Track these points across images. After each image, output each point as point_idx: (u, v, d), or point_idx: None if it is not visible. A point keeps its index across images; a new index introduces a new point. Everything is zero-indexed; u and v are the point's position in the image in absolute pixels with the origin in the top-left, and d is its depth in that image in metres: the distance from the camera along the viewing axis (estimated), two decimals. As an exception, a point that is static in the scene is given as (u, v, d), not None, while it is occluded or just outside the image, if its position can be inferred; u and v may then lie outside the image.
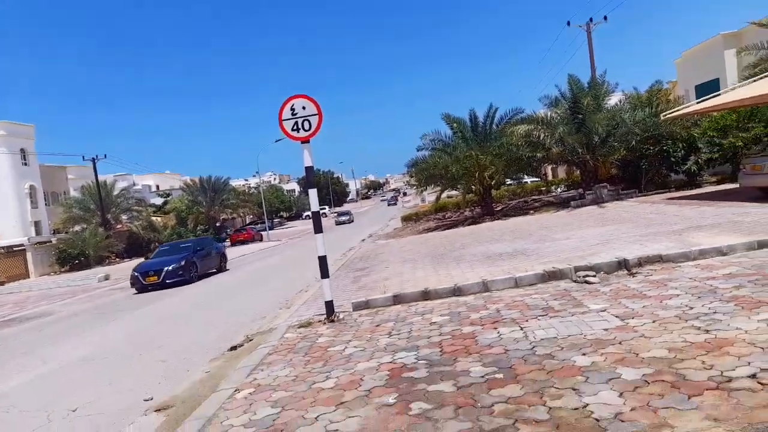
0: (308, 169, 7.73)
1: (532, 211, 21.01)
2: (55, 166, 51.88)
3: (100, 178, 44.34)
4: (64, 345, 9.81)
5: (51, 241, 39.94)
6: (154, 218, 48.57)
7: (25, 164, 48.05)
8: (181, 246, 19.94)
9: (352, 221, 51.75)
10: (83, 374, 7.38)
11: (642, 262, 7.32)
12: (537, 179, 33.22)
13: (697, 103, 18.29)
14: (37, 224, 48.10)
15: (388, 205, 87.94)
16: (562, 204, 20.97)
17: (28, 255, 36.61)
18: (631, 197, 18.82)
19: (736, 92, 16.64)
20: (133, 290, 17.53)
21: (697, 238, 8.40)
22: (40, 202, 48.81)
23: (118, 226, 44.63)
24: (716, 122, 18.48)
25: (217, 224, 50.38)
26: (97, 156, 42.60)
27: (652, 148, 19.30)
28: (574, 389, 3.62)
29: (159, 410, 5.12)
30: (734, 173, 15.67)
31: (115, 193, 46.20)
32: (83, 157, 43.39)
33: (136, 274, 17.56)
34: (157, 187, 75.91)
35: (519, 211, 22.17)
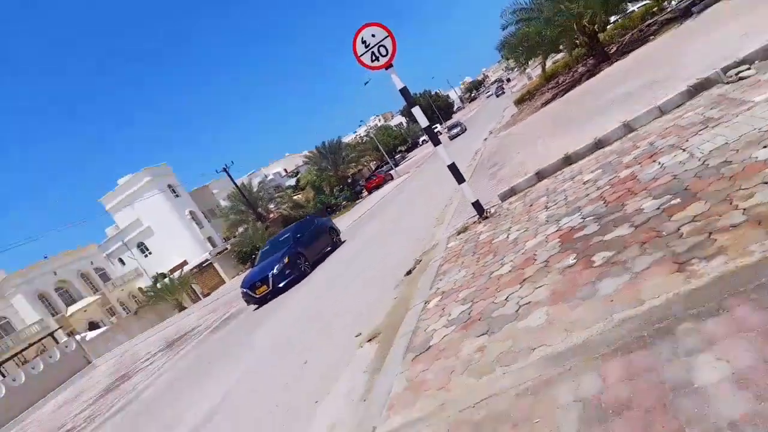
0: (403, 91, 7.73)
1: (651, 37, 18.74)
2: (200, 187, 57.98)
3: (237, 181, 48.58)
4: (276, 319, 11.25)
5: (227, 248, 45.31)
6: (295, 197, 52.34)
7: (177, 196, 54.35)
8: (281, 240, 17.03)
9: (465, 130, 48.45)
10: (302, 334, 8.45)
11: (804, 29, 6.28)
12: (646, 1, 29.33)
13: None
14: (210, 239, 54.71)
15: (497, 96, 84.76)
16: (683, 15, 18.35)
17: (216, 265, 42.01)
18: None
19: None
20: (252, 307, 15.39)
21: None
22: (203, 221, 55.30)
23: (271, 215, 48.88)
24: None
25: (349, 180, 52.73)
26: (226, 165, 46.59)
27: None
28: (766, 182, 3.36)
29: (370, 340, 5.75)
30: None
31: (255, 189, 50.40)
32: (216, 170, 47.94)
33: (244, 290, 15.15)
34: (285, 170, 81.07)
35: (637, 42, 19.89)
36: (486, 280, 4.86)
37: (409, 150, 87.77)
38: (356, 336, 6.26)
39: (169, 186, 53.80)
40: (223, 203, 55.11)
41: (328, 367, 5.76)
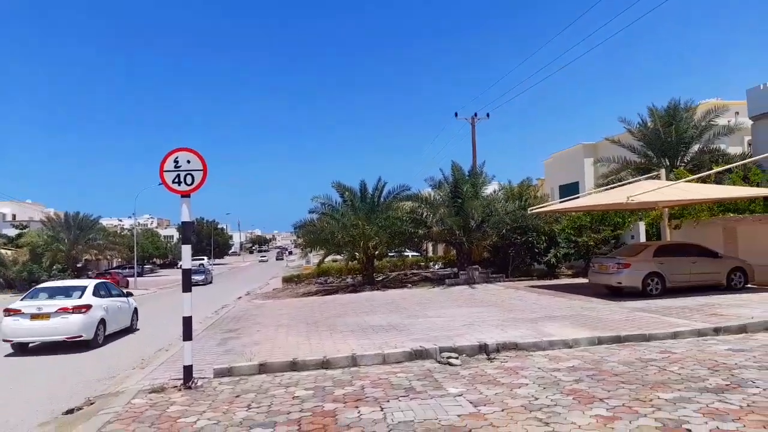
0: (185, 224, 7.46)
1: (410, 285, 21.67)
2: None
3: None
4: None
5: None
6: (2, 250, 43.02)
7: None
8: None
9: (210, 282, 40.18)
10: None
11: (500, 347, 7.82)
12: (418, 254, 34.53)
13: (560, 202, 20.65)
14: None
15: (276, 259, 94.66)
16: (438, 281, 21.91)
17: None
18: (499, 281, 20.21)
19: (591, 197, 19.12)
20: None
21: (549, 329, 9.18)
22: None
23: (-46, 256, 38.89)
24: (574, 221, 20.79)
25: (78, 265, 45.71)
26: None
27: (519, 237, 21.09)
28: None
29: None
30: (586, 269, 17.55)
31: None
32: None
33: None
34: (14, 216, 67.76)
35: (398, 283, 22.77)
36: (144, 465, 4.24)
37: (165, 266, 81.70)
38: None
39: None
40: None
41: None
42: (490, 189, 24.14)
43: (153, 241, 79.61)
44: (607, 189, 18.97)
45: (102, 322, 12.39)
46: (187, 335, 7.10)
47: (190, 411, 5.70)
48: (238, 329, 11.93)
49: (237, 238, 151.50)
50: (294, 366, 7.45)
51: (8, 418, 6.55)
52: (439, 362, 7.40)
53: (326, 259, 27.86)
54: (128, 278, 41.88)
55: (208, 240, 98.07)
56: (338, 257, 28.02)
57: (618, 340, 8.15)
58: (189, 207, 7.29)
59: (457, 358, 7.44)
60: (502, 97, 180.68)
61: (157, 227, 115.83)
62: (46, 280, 37.98)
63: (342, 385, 6.44)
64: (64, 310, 11.69)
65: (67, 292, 12.65)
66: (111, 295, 13.76)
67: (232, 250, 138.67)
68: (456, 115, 31.92)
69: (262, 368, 7.40)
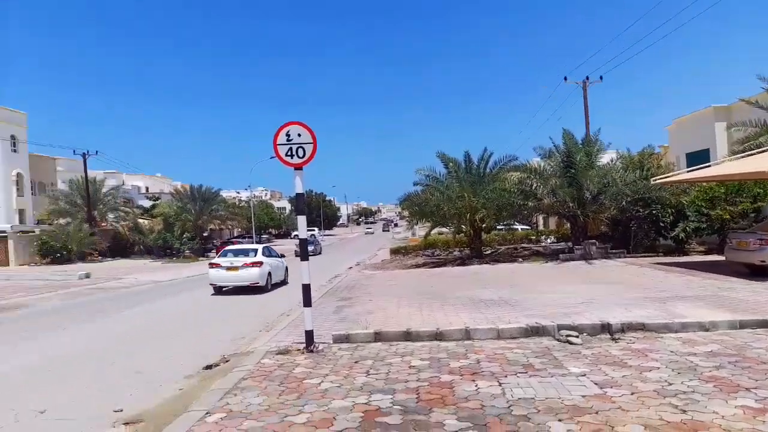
0: (299, 196, 7.77)
1: (520, 259, 21.11)
2: (44, 156, 51.36)
3: (90, 173, 44.06)
4: (39, 341, 9.60)
5: (34, 232, 39.37)
6: (141, 220, 48.11)
7: (15, 151, 47.59)
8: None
9: (319, 252, 41.12)
10: (57, 374, 7.21)
11: (625, 328, 7.36)
12: (528, 227, 33.49)
13: (688, 172, 18.72)
14: (21, 213, 47.46)
15: (383, 230, 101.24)
16: (551, 255, 21.10)
17: (10, 243, 36.06)
18: (619, 257, 18.99)
19: (725, 166, 17.09)
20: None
21: (681, 309, 8.47)
22: (26, 191, 48.25)
23: (103, 224, 44.12)
24: (705, 192, 18.86)
25: (204, 234, 49.92)
26: (88, 151, 42.34)
27: (642, 210, 19.59)
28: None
29: (127, 423, 5.02)
30: (721, 245, 15.92)
31: (104, 190, 45.79)
32: (74, 150, 43.12)
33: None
34: (147, 189, 75.46)
35: (508, 257, 22.26)
36: (278, 421, 4.55)
37: (279, 236, 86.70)
38: (115, 411, 5.45)
39: (12, 137, 47.19)
40: (62, 185, 49.18)
41: (62, 431, 4.87)
42: (606, 158, 22.60)
43: (267, 212, 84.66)
44: (744, 156, 16.90)
45: (269, 274, 16.91)
46: (307, 301, 7.48)
47: (314, 373, 6.01)
48: (351, 298, 12.37)
49: (344, 210, 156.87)
50: (408, 336, 7.58)
51: (162, 369, 7.34)
52: (557, 340, 7.13)
53: (432, 232, 27.91)
54: (248, 247, 45.02)
55: (318, 212, 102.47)
56: (444, 230, 27.93)
57: (765, 324, 7.31)
58: (302, 179, 7.57)
59: (577, 336, 7.12)
60: (616, 58, 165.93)
61: (270, 199, 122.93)
62: (179, 248, 42.13)
63: (457, 357, 6.44)
64: (246, 265, 16.32)
65: (246, 252, 17.20)
66: (271, 256, 18.03)
67: (340, 221, 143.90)
68: (565, 79, 29.74)
69: (378, 336, 7.61)
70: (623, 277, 13.55)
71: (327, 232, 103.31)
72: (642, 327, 7.37)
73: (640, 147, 24.42)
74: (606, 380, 5.24)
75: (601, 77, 29.90)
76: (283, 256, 19.92)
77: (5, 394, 6.29)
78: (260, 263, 16.47)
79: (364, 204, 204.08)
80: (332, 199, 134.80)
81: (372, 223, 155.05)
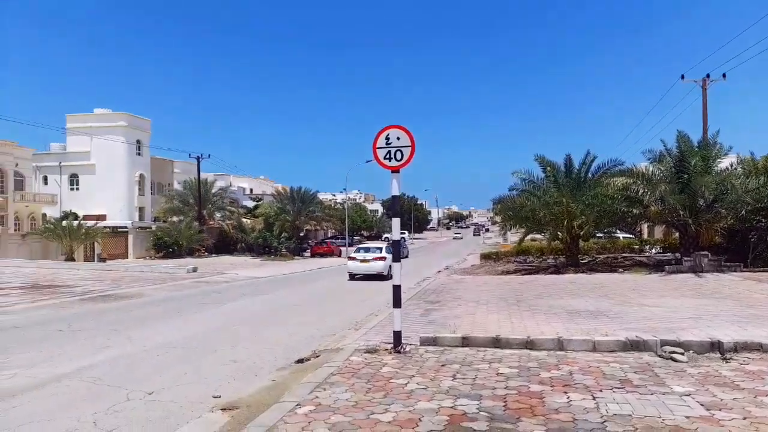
0: (395, 198, 7.88)
1: (620, 270, 19.91)
2: (164, 159, 56.50)
3: (202, 175, 47.60)
4: (150, 329, 10.51)
5: (151, 228, 43.34)
6: (244, 219, 51.21)
7: (139, 154, 52.82)
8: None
9: (406, 256, 39.58)
10: (164, 358, 7.86)
11: (738, 347, 6.72)
12: (630, 236, 31.43)
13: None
14: (141, 210, 52.46)
15: (473, 235, 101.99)
16: (656, 267, 19.71)
17: (130, 237, 39.94)
18: (735, 271, 17.33)
19: None
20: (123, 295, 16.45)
21: (808, 331, 7.58)
22: (146, 191, 53.37)
23: (211, 223, 47.50)
24: None
25: (301, 234, 52.13)
26: (201, 155, 45.86)
27: (764, 220, 17.74)
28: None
29: (225, 409, 5.36)
30: None
31: (213, 191, 49.33)
32: (189, 154, 47.05)
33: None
34: (251, 190, 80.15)
35: (606, 266, 21.09)
36: (364, 417, 4.66)
37: (370, 238, 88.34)
38: (214, 396, 5.85)
39: (138, 141, 52.27)
40: (177, 186, 53.64)
41: (169, 413, 5.31)
42: (724, 163, 20.69)
43: (361, 215, 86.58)
44: None
45: (390, 267, 18.55)
46: (397, 302, 7.57)
47: (400, 374, 6.08)
48: (439, 302, 12.34)
49: (435, 214, 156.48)
50: (497, 343, 7.43)
51: (258, 360, 7.77)
52: (660, 356, 6.66)
53: (526, 238, 27.07)
54: (341, 248, 46.39)
55: (409, 215, 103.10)
56: (538, 236, 26.97)
57: None
58: (399, 182, 7.68)
59: (682, 353, 6.61)
60: (742, 54, 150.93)
61: (364, 201, 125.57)
62: (276, 246, 44.31)
63: (548, 368, 6.22)
64: (375, 259, 21.70)
65: (374, 249, 22.72)
66: (391, 253, 19.17)
67: (430, 225, 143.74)
68: (682, 77, 27.62)
69: (465, 341, 7.54)
70: (739, 293, 12.35)
71: (417, 235, 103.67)
72: (759, 348, 6.68)
73: (766, 152, 21.96)
74: (714, 402, 4.82)
75: (724, 75, 27.36)
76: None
77: (121, 376, 6.95)
78: (384, 258, 21.20)
79: (455, 208, 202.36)
80: (424, 202, 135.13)
81: (463, 227, 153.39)
